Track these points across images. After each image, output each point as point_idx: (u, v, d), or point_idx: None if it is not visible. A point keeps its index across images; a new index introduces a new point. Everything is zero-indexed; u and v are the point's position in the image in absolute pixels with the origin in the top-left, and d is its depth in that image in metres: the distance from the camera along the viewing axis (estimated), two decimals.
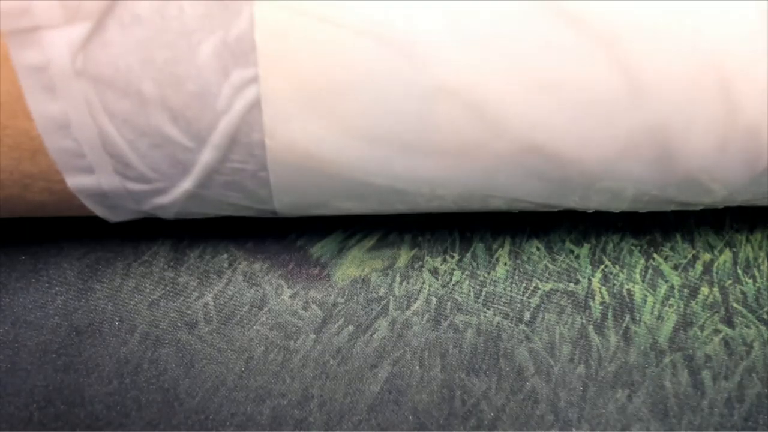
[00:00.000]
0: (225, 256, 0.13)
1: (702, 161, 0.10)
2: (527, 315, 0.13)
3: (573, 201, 0.12)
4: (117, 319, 0.12)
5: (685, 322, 0.13)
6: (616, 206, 0.12)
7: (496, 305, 0.13)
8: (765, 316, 0.13)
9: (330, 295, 0.13)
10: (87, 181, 0.10)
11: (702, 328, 0.13)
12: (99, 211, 0.11)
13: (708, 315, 0.13)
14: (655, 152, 0.10)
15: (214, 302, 0.12)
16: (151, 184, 0.10)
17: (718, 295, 0.13)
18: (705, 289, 0.14)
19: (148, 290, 0.12)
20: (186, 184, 0.10)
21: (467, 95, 0.09)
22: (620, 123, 0.10)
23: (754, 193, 0.12)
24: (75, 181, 0.10)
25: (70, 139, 0.09)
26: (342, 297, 0.13)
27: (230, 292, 0.12)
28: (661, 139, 0.10)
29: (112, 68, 0.08)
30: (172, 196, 0.10)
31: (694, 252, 0.14)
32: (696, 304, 0.13)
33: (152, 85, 0.09)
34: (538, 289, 0.13)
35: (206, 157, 0.10)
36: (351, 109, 0.09)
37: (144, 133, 0.09)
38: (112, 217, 0.11)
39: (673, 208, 0.12)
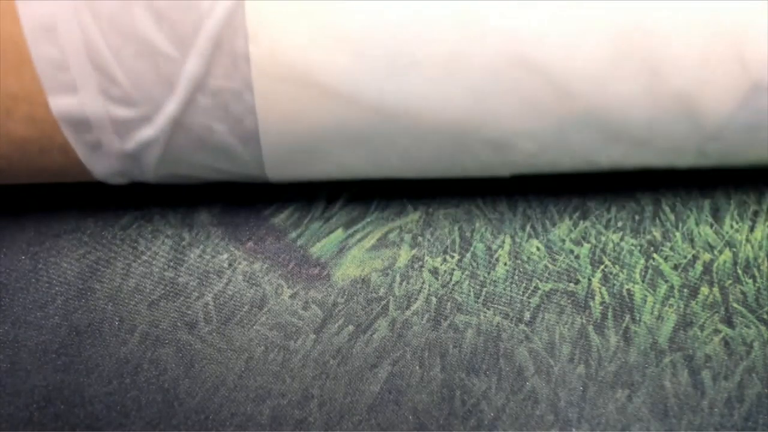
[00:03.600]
0: (225, 256, 0.13)
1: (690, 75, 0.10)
2: (527, 315, 0.13)
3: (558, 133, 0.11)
4: (117, 319, 0.12)
5: (685, 322, 0.13)
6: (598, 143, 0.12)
7: (496, 305, 0.13)
8: (765, 316, 0.13)
9: (330, 295, 0.13)
10: (70, 103, 0.10)
11: (702, 328, 0.13)
12: (81, 152, 0.10)
13: (708, 315, 0.13)
14: (641, 66, 0.10)
15: (214, 302, 0.12)
16: (135, 107, 0.10)
17: (718, 295, 0.13)
18: (705, 289, 0.14)
19: (148, 290, 0.12)
20: (170, 107, 0.10)
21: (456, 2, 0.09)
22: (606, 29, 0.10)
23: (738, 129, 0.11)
24: (58, 103, 0.09)
25: (55, 47, 0.09)
26: (342, 297, 0.13)
27: (230, 292, 0.12)
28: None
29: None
30: (157, 126, 0.10)
31: (694, 252, 0.14)
32: (696, 304, 0.13)
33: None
34: (538, 289, 0.13)
35: (190, 67, 0.09)
36: (337, 13, 0.09)
37: (128, 38, 0.09)
38: (96, 163, 0.11)
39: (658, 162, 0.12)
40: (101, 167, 0.11)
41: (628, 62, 0.10)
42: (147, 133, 0.10)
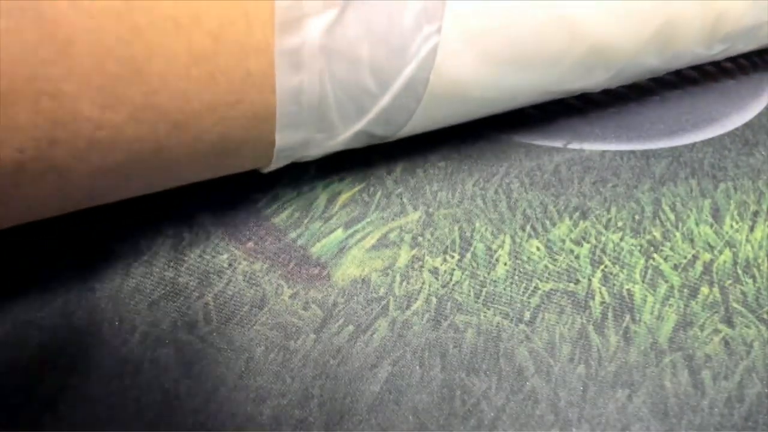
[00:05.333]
0: (225, 256, 0.13)
1: None
2: (527, 315, 0.13)
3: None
4: (117, 319, 0.12)
5: (685, 322, 0.13)
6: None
7: (496, 305, 0.13)
8: (765, 316, 0.13)
9: (330, 295, 0.13)
10: (290, 137, 0.11)
11: (702, 328, 0.13)
12: (263, 162, 0.12)
13: (708, 315, 0.13)
14: None
15: (214, 302, 0.12)
16: (331, 132, 0.12)
17: (718, 295, 0.13)
18: (705, 289, 0.14)
19: (148, 290, 0.12)
20: (357, 127, 0.12)
21: (568, 18, 0.12)
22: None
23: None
24: (282, 137, 0.11)
25: (296, 105, 0.10)
26: (342, 297, 0.13)
27: (230, 292, 0.12)
28: None
29: (344, 42, 0.10)
30: (341, 139, 0.12)
31: (694, 252, 0.14)
32: (696, 304, 0.13)
33: (367, 48, 0.10)
34: (538, 289, 0.13)
35: (383, 101, 0.11)
36: (496, 43, 0.12)
37: (349, 89, 0.11)
38: (270, 166, 0.12)
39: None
40: (273, 167, 0.13)
41: None
42: (330, 143, 0.12)
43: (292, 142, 0.11)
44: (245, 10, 0.09)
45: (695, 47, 0.16)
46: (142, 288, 0.12)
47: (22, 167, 0.08)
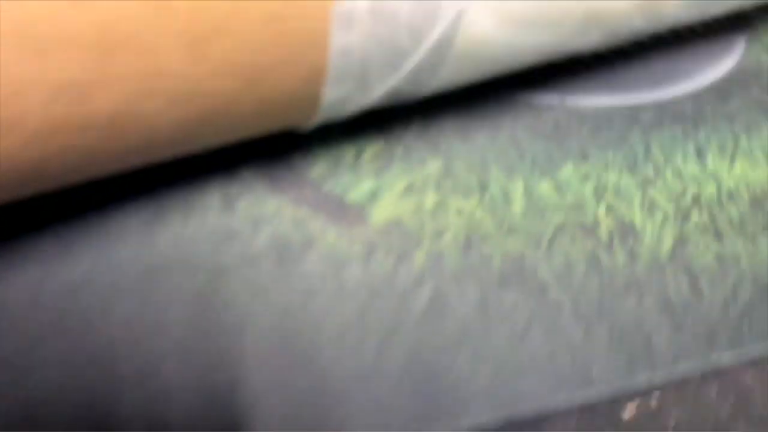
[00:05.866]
0: (271, 205, 0.14)
1: None
2: (544, 242, 0.14)
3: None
4: (182, 260, 0.13)
5: (682, 241, 0.15)
6: None
7: (516, 236, 0.14)
8: (749, 235, 0.15)
9: (369, 233, 0.14)
10: (334, 94, 0.12)
11: (696, 245, 0.15)
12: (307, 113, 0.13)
13: (700, 235, 0.15)
14: None
15: (269, 242, 0.14)
16: (366, 89, 0.13)
17: (707, 219, 0.15)
18: (695, 215, 0.15)
19: (207, 234, 0.14)
20: (389, 84, 0.13)
21: None
22: None
23: None
24: (329, 92, 0.12)
25: (345, 63, 0.12)
26: (380, 235, 0.14)
27: (281, 233, 0.14)
28: None
29: (388, 5, 0.11)
30: (374, 96, 0.14)
31: (683, 185, 0.16)
32: (689, 226, 0.15)
33: (406, 10, 0.12)
34: (551, 221, 0.15)
35: (414, 59, 0.13)
36: (511, 7, 0.13)
37: (387, 48, 0.12)
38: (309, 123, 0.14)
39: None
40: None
41: None
42: (364, 99, 0.14)
43: (334, 98, 0.13)
44: None
45: (676, 11, 0.17)
46: (200, 234, 0.14)
47: (119, 118, 0.10)
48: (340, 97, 0.13)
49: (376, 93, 0.13)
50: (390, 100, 0.15)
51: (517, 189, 0.16)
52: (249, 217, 0.14)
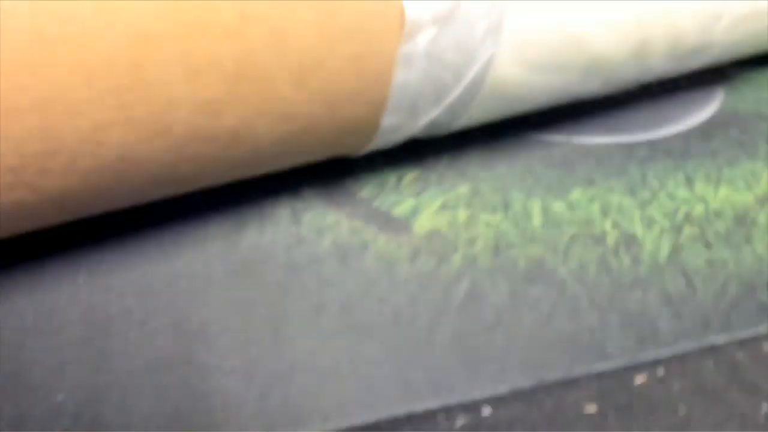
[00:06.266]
0: (331, 218, 0.17)
1: None
2: (561, 249, 0.17)
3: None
4: (261, 260, 0.16)
5: (677, 249, 0.17)
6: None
7: (536, 244, 0.17)
8: (734, 245, 0.18)
9: (414, 239, 0.17)
10: (389, 123, 0.15)
11: (690, 252, 0.17)
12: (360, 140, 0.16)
13: (692, 244, 0.17)
14: None
15: (332, 245, 0.16)
16: (414, 120, 0.16)
17: (697, 232, 0.18)
18: (687, 228, 0.18)
19: (281, 240, 0.16)
20: (432, 115, 0.16)
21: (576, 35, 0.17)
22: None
23: None
24: (386, 121, 0.16)
25: (402, 96, 0.15)
26: (423, 241, 0.17)
27: (341, 240, 0.16)
28: None
29: (439, 48, 0.14)
30: (419, 125, 0.16)
31: (675, 205, 0.19)
32: (683, 237, 0.18)
33: (452, 53, 0.15)
34: (566, 232, 0.18)
35: (454, 94, 0.15)
36: (531, 54, 0.16)
37: (434, 84, 0.15)
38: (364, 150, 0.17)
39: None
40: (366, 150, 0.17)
41: None
42: (412, 129, 0.17)
43: (389, 126, 0.16)
44: (386, 25, 0.14)
45: (662, 62, 0.21)
46: (276, 239, 0.16)
47: (239, 133, 0.13)
48: (394, 125, 0.16)
49: (421, 122, 0.16)
50: (429, 131, 0.18)
51: (536, 207, 0.18)
52: (313, 227, 0.17)
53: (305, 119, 0.13)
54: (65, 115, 0.10)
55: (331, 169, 0.18)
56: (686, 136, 0.22)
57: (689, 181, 0.20)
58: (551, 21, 0.17)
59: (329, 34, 0.13)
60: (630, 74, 0.20)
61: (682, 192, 0.20)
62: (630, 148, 0.21)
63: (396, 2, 0.14)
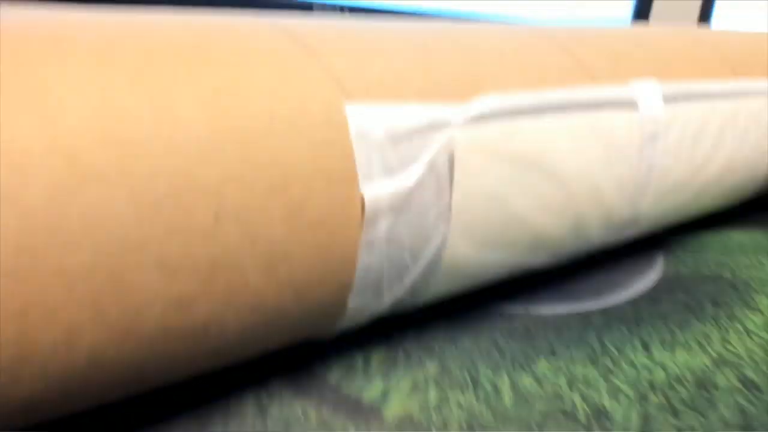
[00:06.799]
0: (298, 408, 0.17)
1: None
2: (534, 427, 0.17)
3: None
4: None
5: (646, 418, 0.17)
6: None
7: (510, 424, 0.17)
8: (701, 410, 0.18)
9: (385, 428, 0.16)
10: (355, 304, 0.16)
11: (658, 421, 0.17)
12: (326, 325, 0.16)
13: (659, 413, 0.18)
14: None
15: None
16: (378, 300, 0.16)
17: (663, 399, 0.18)
18: (653, 396, 0.18)
19: None
20: (395, 295, 0.16)
21: (520, 217, 0.18)
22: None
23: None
24: (352, 302, 0.16)
25: (366, 280, 0.15)
26: (394, 430, 0.16)
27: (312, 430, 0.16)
28: None
29: (398, 235, 0.16)
30: (383, 306, 0.17)
31: (636, 373, 0.19)
32: (650, 407, 0.18)
33: (409, 239, 0.16)
34: (537, 409, 0.17)
35: (414, 274, 0.16)
36: (478, 234, 0.17)
37: (395, 266, 0.16)
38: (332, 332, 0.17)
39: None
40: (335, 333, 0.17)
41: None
42: (377, 308, 0.17)
43: (355, 307, 0.16)
44: (349, 215, 0.14)
45: (599, 233, 0.22)
46: None
47: (210, 327, 0.13)
48: (360, 306, 0.16)
49: (385, 302, 0.17)
50: (394, 309, 0.18)
51: (504, 383, 0.18)
52: (281, 420, 0.16)
53: (274, 307, 0.14)
54: (42, 320, 0.10)
55: (299, 352, 0.18)
56: (636, 302, 0.24)
57: (646, 347, 0.21)
58: (494, 204, 0.18)
59: (297, 227, 0.13)
60: (572, 247, 0.22)
61: (641, 358, 0.20)
62: (586, 317, 0.22)
63: (356, 194, 0.15)
